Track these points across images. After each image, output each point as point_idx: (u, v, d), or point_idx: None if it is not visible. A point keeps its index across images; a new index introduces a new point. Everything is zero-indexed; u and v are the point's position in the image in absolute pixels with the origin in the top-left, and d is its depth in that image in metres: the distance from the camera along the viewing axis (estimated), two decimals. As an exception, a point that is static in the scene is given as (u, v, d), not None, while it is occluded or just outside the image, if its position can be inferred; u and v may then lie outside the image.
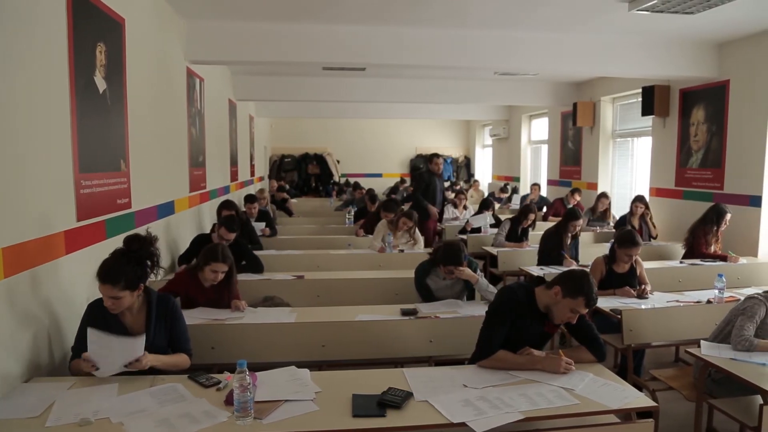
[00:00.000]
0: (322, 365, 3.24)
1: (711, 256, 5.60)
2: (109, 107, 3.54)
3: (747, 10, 5.20)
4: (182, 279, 3.73)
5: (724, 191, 6.62)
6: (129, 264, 2.57)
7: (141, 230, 3.83)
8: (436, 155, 7.60)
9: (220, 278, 3.59)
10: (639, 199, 6.79)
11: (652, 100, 7.50)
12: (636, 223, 6.70)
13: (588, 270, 4.47)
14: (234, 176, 8.69)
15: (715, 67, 6.65)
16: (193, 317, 3.35)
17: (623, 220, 6.82)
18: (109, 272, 2.53)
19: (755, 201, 6.21)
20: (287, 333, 3.35)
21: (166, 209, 4.86)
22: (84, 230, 3.18)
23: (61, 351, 2.89)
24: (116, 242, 3.60)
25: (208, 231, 5.71)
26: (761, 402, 2.59)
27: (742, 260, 5.52)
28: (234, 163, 8.69)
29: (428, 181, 7.50)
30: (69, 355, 2.71)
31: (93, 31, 3.30)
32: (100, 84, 3.40)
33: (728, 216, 5.69)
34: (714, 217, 5.70)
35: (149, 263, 2.67)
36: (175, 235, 5.17)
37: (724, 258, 5.54)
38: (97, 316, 2.60)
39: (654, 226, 6.77)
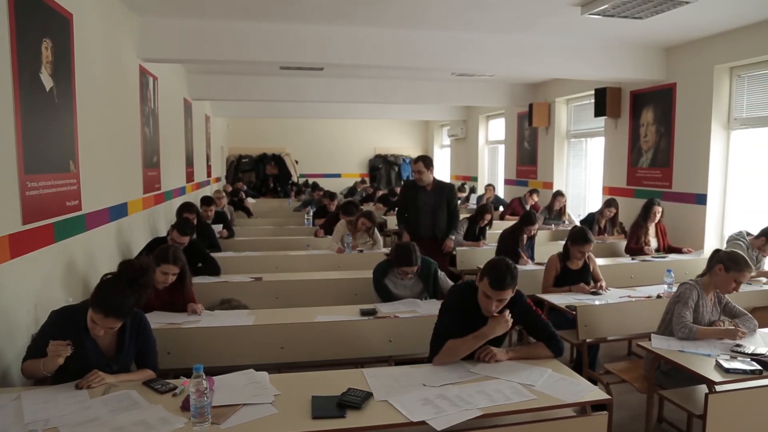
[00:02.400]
0: (282, 367, 3.20)
1: (638, 251, 5.90)
2: (56, 105, 3.41)
3: (691, 17, 5.42)
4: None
5: (672, 190, 6.87)
6: (131, 296, 2.48)
7: (120, 247, 3.71)
8: (421, 159, 5.47)
9: (171, 280, 3.52)
10: (611, 203, 6.86)
11: (604, 101, 7.72)
12: (603, 222, 6.86)
13: (544, 264, 4.59)
14: (190, 177, 8.52)
15: (663, 71, 6.89)
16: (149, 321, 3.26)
17: (591, 218, 6.98)
18: (115, 309, 2.42)
19: (701, 199, 6.47)
20: (245, 336, 3.31)
21: (118, 211, 4.72)
22: (30, 234, 3.05)
23: (6, 361, 2.77)
24: (65, 246, 3.52)
25: (163, 234, 5.58)
26: (706, 391, 2.69)
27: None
28: (190, 163, 8.52)
29: (408, 197, 5.57)
30: (15, 365, 2.60)
31: (38, 26, 3.18)
32: (47, 81, 3.28)
33: (658, 209, 5.95)
34: (643, 211, 6.01)
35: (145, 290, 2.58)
36: (128, 238, 5.03)
37: (678, 250, 5.96)
38: (68, 329, 2.47)
39: (620, 230, 6.89)
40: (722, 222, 6.46)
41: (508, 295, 2.74)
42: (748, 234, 4.94)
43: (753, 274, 3.26)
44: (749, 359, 2.81)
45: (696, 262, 5.42)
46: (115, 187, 4.69)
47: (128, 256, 4.89)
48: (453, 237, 5.56)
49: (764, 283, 4.60)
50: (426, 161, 5.41)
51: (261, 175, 15.53)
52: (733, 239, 4.94)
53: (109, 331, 2.49)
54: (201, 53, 5.71)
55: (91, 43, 4.08)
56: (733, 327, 3.20)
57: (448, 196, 5.51)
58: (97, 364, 2.48)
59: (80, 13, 3.78)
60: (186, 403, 2.19)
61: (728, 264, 3.19)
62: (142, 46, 5.44)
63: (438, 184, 5.50)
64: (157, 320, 3.35)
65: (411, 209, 5.50)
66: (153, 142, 6.02)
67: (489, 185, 10.15)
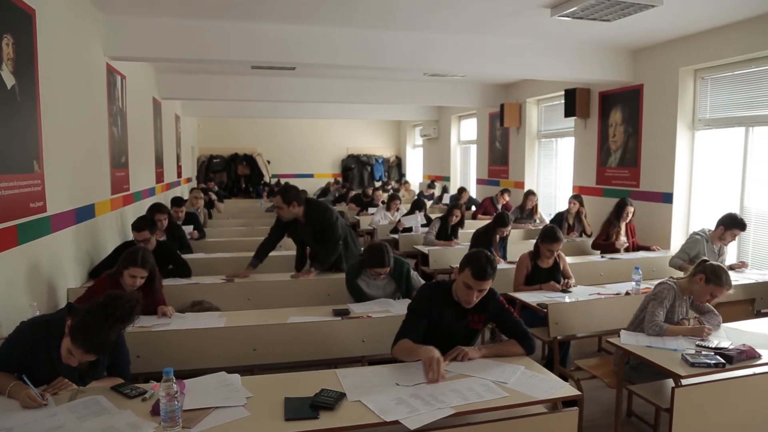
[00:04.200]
0: (254, 369, 3.18)
1: (606, 247, 6.05)
2: (19, 104, 3.32)
3: (657, 20, 5.55)
4: (103, 286, 3.54)
5: (640, 189, 7.01)
6: (116, 332, 2.38)
7: (87, 249, 3.63)
8: (279, 193, 4.59)
9: (139, 283, 3.44)
10: (575, 198, 7.07)
11: (574, 102, 7.84)
12: (571, 220, 6.98)
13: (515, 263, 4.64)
14: (160, 178, 8.38)
15: (630, 72, 7.03)
16: (116, 325, 3.20)
17: (559, 217, 7.09)
18: (97, 347, 2.33)
19: (667, 198, 6.62)
20: (217, 338, 3.27)
21: (85, 213, 4.62)
22: (-8, 236, 2.97)
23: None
24: (29, 249, 3.43)
25: (131, 237, 5.48)
26: (673, 385, 2.75)
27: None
28: (159, 164, 8.38)
29: (285, 229, 4.82)
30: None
31: (-1, 22, 3.09)
32: (8, 79, 3.19)
33: (630, 209, 6.10)
34: (616, 210, 6.13)
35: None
36: (96, 241, 4.93)
37: (647, 248, 6.11)
38: (40, 344, 2.38)
39: (588, 224, 7.05)
40: (688, 220, 6.62)
41: (488, 285, 2.79)
42: (710, 231, 5.06)
43: (731, 292, 3.32)
44: (713, 353, 2.88)
45: (663, 259, 5.54)
46: (82, 188, 4.58)
47: (96, 259, 4.79)
48: (314, 271, 4.63)
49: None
50: (285, 196, 4.49)
51: (233, 175, 15.37)
52: (693, 234, 5.06)
53: (84, 362, 2.41)
54: (170, 52, 5.62)
55: (56, 40, 3.98)
56: (700, 325, 3.28)
57: (321, 225, 4.56)
58: (68, 378, 2.41)
59: (43, 9, 3.69)
60: (156, 408, 2.15)
61: (710, 276, 3.23)
62: (109, 44, 5.33)
63: (309, 216, 4.58)
64: (125, 323, 3.29)
65: (296, 242, 4.95)
66: (121, 142, 5.90)
67: (463, 190, 10.09)
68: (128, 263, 3.41)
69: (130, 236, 5.76)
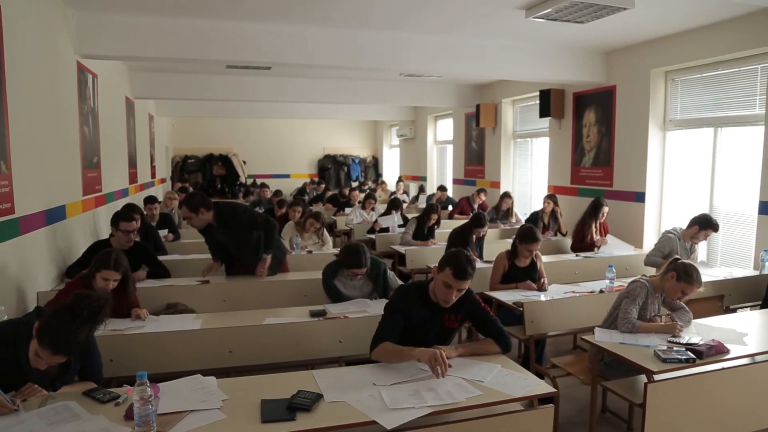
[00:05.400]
0: (230, 372, 3.15)
1: (586, 248, 6.12)
2: (-15, 104, 3.24)
3: (629, 23, 5.65)
4: (74, 289, 3.47)
5: (613, 188, 7.13)
6: (85, 332, 2.29)
7: (59, 250, 3.55)
8: (184, 202, 4.36)
9: (112, 286, 3.37)
10: (549, 197, 7.15)
11: (548, 102, 7.94)
12: (546, 219, 7.06)
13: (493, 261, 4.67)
14: (133, 178, 8.24)
15: (603, 73, 7.14)
16: (88, 329, 3.13)
17: (535, 216, 7.16)
18: (65, 348, 2.25)
19: (640, 197, 6.74)
20: (192, 340, 3.23)
21: (56, 214, 4.52)
22: (-42, 238, 2.89)
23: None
24: (-3, 251, 3.33)
25: (105, 236, 5.38)
26: (646, 381, 2.80)
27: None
28: (133, 164, 8.25)
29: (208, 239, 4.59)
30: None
31: (-35, 19, 3.01)
32: (-25, 78, 3.11)
33: (605, 209, 6.20)
34: (591, 210, 6.20)
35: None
36: (67, 242, 4.82)
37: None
38: (7, 348, 2.31)
39: (564, 224, 7.13)
40: (660, 219, 6.75)
41: (468, 284, 2.80)
42: (682, 229, 5.16)
43: (701, 289, 3.40)
44: (684, 349, 2.94)
45: (636, 257, 5.64)
46: (52, 188, 4.48)
47: (68, 261, 4.69)
48: (267, 256, 4.47)
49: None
50: (191, 204, 4.23)
51: (208, 175, 15.20)
52: (666, 233, 5.16)
53: (53, 364, 2.34)
54: (143, 50, 5.53)
55: (23, 37, 3.89)
56: (671, 322, 3.34)
57: (236, 223, 4.37)
58: (38, 383, 2.34)
59: (9, 4, 3.59)
60: (130, 412, 2.11)
61: (681, 274, 3.30)
62: (80, 42, 5.23)
63: (221, 220, 4.35)
64: (98, 327, 3.23)
65: (217, 250, 4.60)
66: (93, 142, 5.79)
67: (442, 189, 10.16)
68: (101, 266, 3.33)
69: (104, 237, 5.69)
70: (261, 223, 4.46)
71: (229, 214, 4.37)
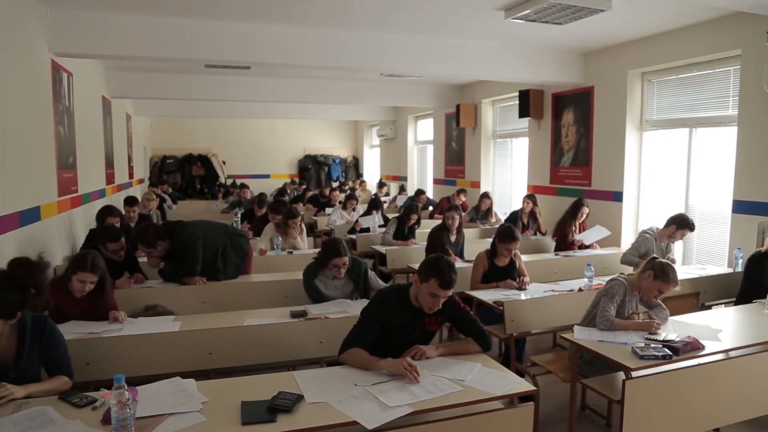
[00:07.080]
0: (210, 374, 3.12)
1: (568, 247, 6.16)
2: (-44, 102, 3.16)
3: (606, 25, 5.73)
4: (50, 291, 3.42)
5: (591, 188, 7.21)
6: (10, 291, 2.29)
7: (33, 253, 3.48)
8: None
9: (88, 289, 3.32)
10: (529, 197, 7.19)
11: (527, 103, 8.00)
12: (526, 219, 7.11)
13: (473, 262, 4.69)
14: (110, 179, 8.12)
15: (582, 74, 7.23)
16: (66, 332, 3.04)
17: (514, 216, 7.20)
18: None
19: (618, 196, 6.83)
20: (171, 343, 3.20)
21: (30, 215, 4.43)
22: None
23: None
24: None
25: (82, 238, 5.29)
26: (624, 378, 2.83)
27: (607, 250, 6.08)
28: (110, 164, 8.12)
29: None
30: None
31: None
32: (-55, 76, 3.03)
33: (585, 209, 6.27)
34: (572, 210, 6.28)
35: (33, 291, 2.38)
36: (42, 244, 4.73)
37: (588, 247, 6.19)
38: None
39: (543, 223, 7.18)
40: (637, 218, 6.85)
41: (451, 291, 2.79)
42: (658, 229, 5.24)
43: (677, 288, 3.45)
44: (661, 346, 2.98)
45: (614, 256, 5.71)
46: (26, 189, 4.40)
47: (42, 262, 4.60)
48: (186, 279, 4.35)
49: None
50: (144, 240, 4.20)
51: (187, 176, 15.05)
52: (642, 232, 5.24)
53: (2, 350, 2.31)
54: (120, 49, 5.45)
55: (-4, 36, 3.81)
56: (648, 319, 3.39)
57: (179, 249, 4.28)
58: None
59: (-17, 3, 3.53)
60: (107, 416, 2.08)
61: (658, 273, 3.34)
62: (54, 40, 5.13)
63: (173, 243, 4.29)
64: (74, 330, 3.18)
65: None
66: (68, 142, 5.69)
67: (421, 193, 10.09)
68: (77, 268, 3.28)
69: (80, 240, 5.59)
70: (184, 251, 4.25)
71: (179, 241, 4.23)
